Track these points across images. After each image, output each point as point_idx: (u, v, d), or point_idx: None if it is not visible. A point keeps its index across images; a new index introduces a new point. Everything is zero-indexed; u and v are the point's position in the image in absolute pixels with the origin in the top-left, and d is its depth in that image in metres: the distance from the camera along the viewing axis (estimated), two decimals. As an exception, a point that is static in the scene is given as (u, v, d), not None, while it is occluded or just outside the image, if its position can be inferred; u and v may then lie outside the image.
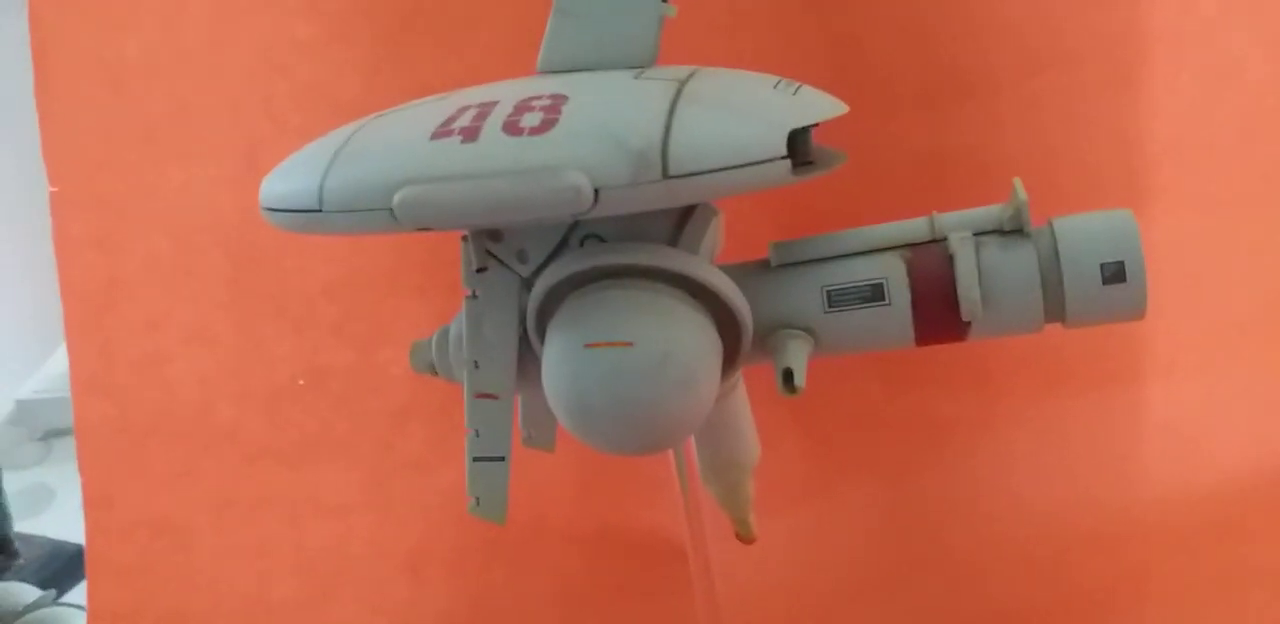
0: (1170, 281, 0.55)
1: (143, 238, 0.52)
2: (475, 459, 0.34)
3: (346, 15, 0.48)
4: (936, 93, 0.51)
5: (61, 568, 0.80)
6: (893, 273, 0.30)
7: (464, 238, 0.32)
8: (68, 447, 1.04)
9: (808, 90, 0.29)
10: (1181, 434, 0.57)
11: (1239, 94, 0.51)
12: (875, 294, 0.29)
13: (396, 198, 0.26)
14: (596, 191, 0.25)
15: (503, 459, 0.33)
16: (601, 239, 0.30)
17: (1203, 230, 0.53)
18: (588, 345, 0.27)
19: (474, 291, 0.32)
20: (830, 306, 0.30)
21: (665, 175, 0.25)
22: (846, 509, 0.58)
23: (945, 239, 0.29)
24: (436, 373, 0.35)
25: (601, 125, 0.26)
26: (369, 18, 0.48)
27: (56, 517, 0.92)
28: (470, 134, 0.27)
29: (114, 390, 0.55)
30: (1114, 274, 0.29)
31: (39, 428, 1.07)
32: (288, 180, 0.30)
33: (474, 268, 0.32)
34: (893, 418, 0.57)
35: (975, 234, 0.30)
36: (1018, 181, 0.30)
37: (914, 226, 0.30)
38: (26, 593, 0.73)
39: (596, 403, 0.27)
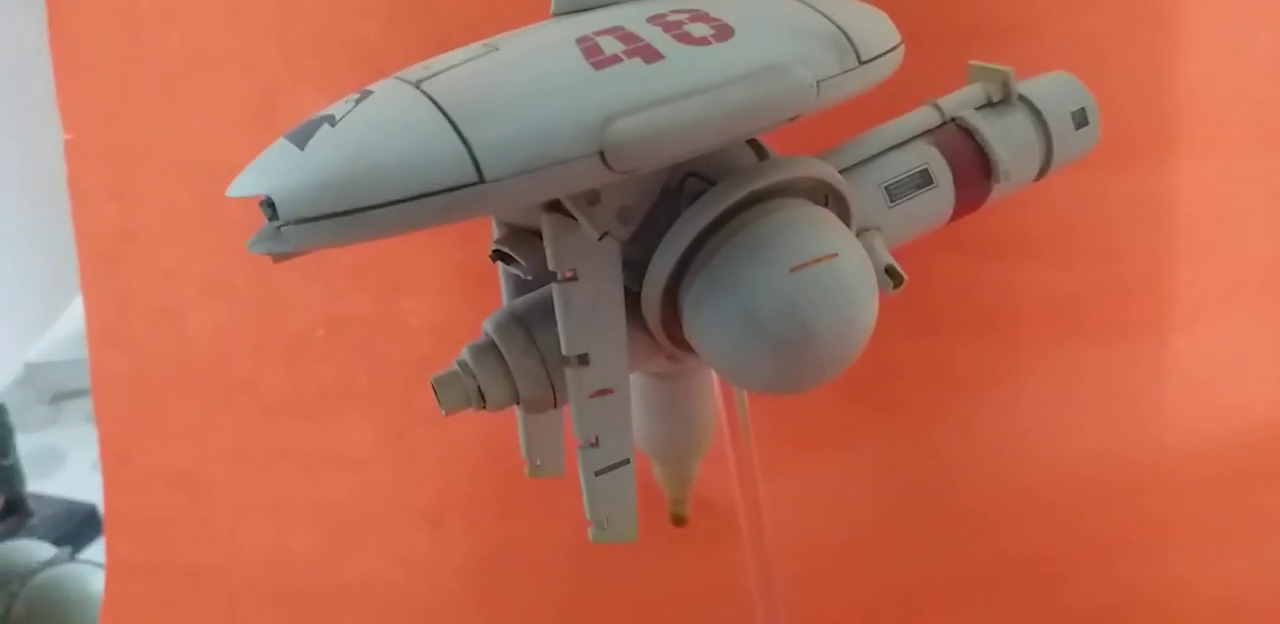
0: (1195, 226, 0.55)
1: (159, 187, 0.51)
2: (598, 473, 0.28)
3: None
4: (963, 35, 0.50)
5: (75, 527, 0.79)
6: (930, 157, 0.31)
7: (547, 209, 0.26)
8: (77, 409, 1.04)
9: None
10: (1204, 382, 0.56)
11: (1272, 35, 0.50)
12: (925, 179, 0.31)
13: (612, 134, 0.22)
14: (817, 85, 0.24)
15: (628, 462, 0.28)
16: (700, 177, 0.27)
17: (1229, 174, 0.53)
18: (794, 268, 0.25)
19: (570, 272, 0.26)
20: (892, 201, 0.30)
21: (860, 61, 0.25)
22: (870, 458, 0.57)
23: (953, 119, 0.32)
24: (484, 404, 0.29)
25: (782, 23, 0.25)
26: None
27: (68, 478, 0.92)
28: (648, 54, 0.23)
29: (130, 343, 0.54)
30: (1081, 119, 0.33)
31: (48, 390, 1.06)
32: (363, 169, 0.21)
33: (582, 237, 0.26)
34: (916, 367, 0.57)
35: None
36: (973, 63, 0.33)
37: (925, 114, 0.32)
38: (42, 550, 0.72)
39: (821, 323, 0.25)
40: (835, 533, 0.57)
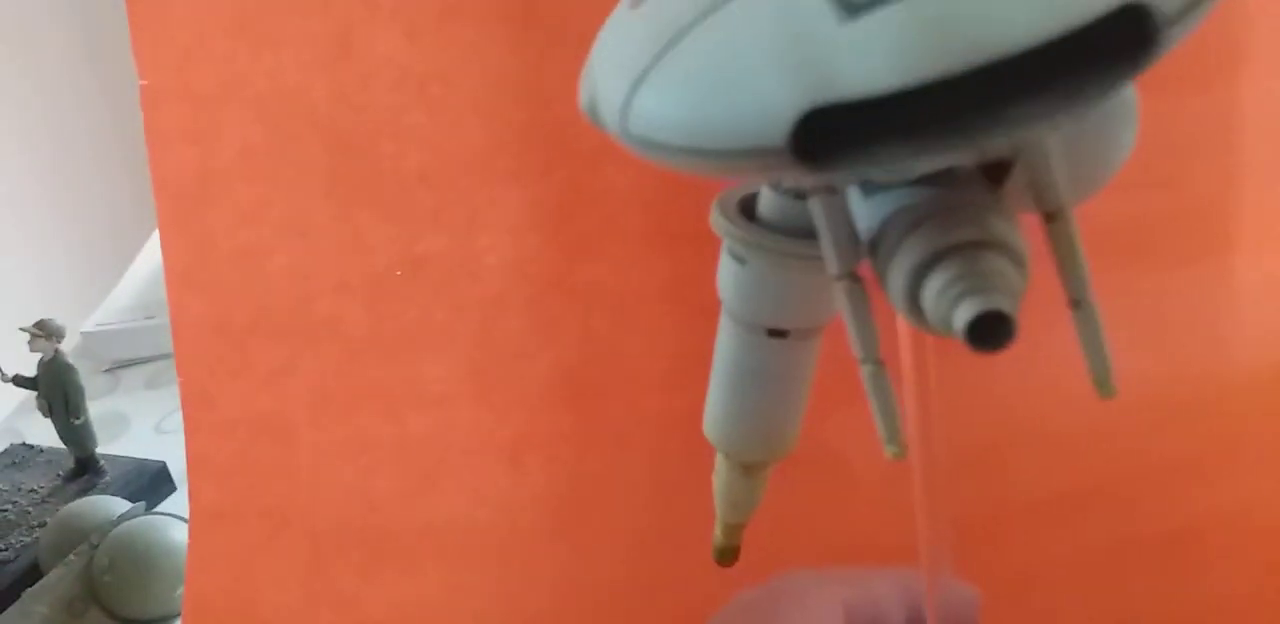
0: (1262, 148, 0.53)
1: (236, 129, 0.49)
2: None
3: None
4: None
5: (147, 484, 0.78)
6: None
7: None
8: (136, 376, 1.03)
9: None
10: (1272, 304, 0.55)
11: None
12: None
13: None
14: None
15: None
16: None
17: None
18: None
19: None
20: None
21: None
22: (934, 389, 0.56)
23: None
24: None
25: None
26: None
27: (133, 441, 0.91)
28: None
29: (210, 287, 0.53)
30: None
31: (106, 360, 1.05)
32: (721, 97, 0.18)
33: None
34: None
35: None
36: None
37: None
38: (117, 505, 0.71)
39: None
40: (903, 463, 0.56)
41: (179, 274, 0.52)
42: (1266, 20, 0.49)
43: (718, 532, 0.35)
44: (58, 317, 0.83)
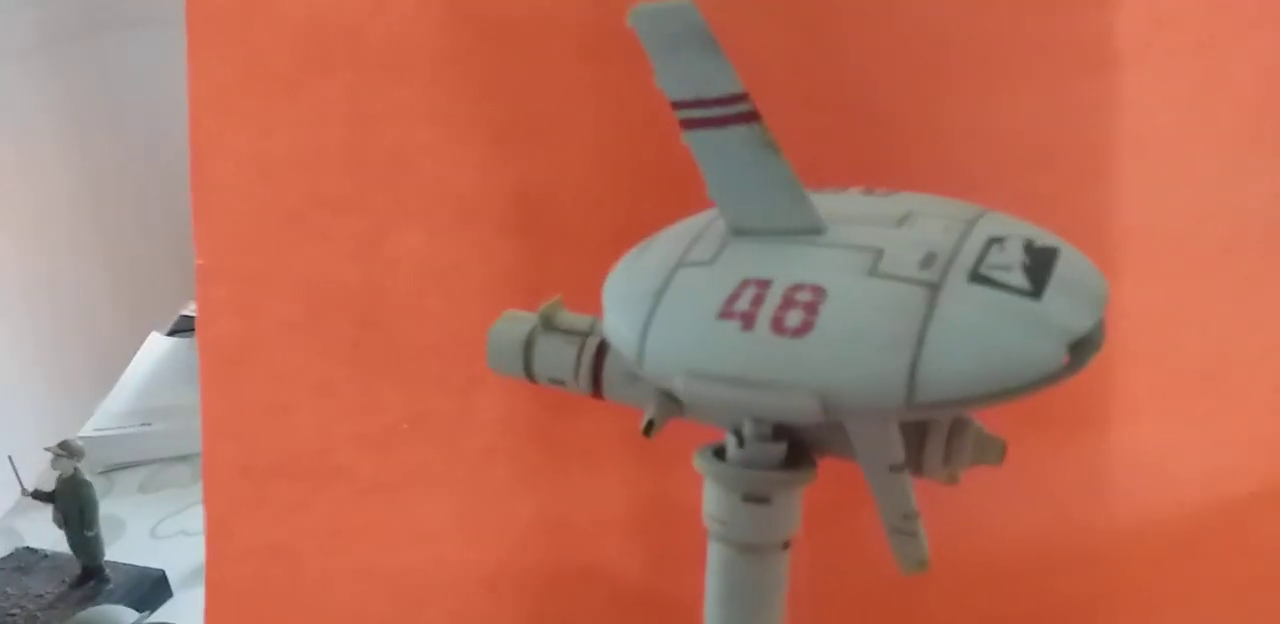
0: (1136, 338, 0.63)
1: (278, 305, 0.57)
2: None
3: (462, 120, 0.55)
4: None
5: (148, 592, 0.84)
6: None
7: None
8: (129, 479, 1.09)
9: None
10: (1148, 466, 0.64)
11: (1190, 187, 0.59)
12: None
13: (679, 382, 0.29)
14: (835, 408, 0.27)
15: None
16: None
17: (1164, 297, 0.61)
18: None
19: None
20: None
21: (909, 403, 0.26)
22: (848, 533, 0.64)
23: None
24: None
25: (850, 341, 0.27)
26: (480, 121, 0.55)
27: (129, 544, 0.96)
28: (748, 322, 0.28)
29: (241, 435, 0.60)
30: None
31: (100, 463, 1.11)
32: (618, 312, 0.32)
33: None
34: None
35: None
36: None
37: None
38: (125, 615, 0.77)
39: None
40: (825, 590, 0.63)
41: (214, 423, 0.60)
42: (1133, 242, 0.59)
43: None
44: (55, 422, 0.90)
